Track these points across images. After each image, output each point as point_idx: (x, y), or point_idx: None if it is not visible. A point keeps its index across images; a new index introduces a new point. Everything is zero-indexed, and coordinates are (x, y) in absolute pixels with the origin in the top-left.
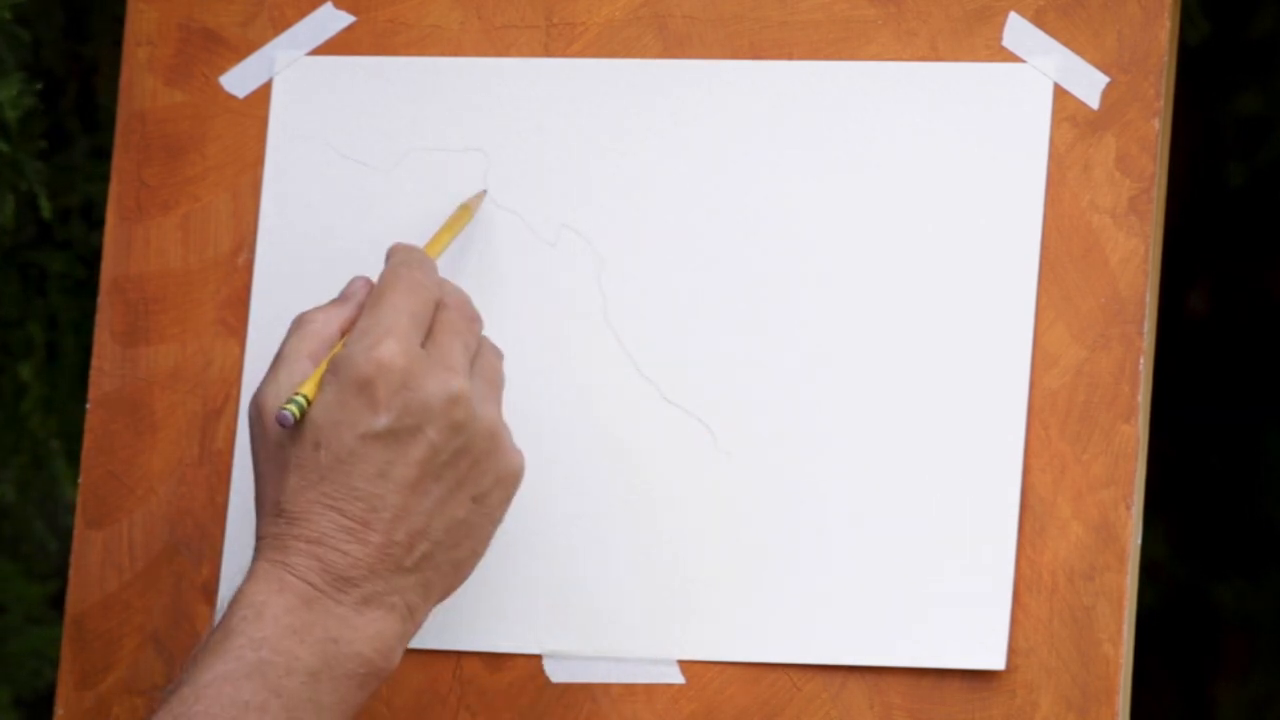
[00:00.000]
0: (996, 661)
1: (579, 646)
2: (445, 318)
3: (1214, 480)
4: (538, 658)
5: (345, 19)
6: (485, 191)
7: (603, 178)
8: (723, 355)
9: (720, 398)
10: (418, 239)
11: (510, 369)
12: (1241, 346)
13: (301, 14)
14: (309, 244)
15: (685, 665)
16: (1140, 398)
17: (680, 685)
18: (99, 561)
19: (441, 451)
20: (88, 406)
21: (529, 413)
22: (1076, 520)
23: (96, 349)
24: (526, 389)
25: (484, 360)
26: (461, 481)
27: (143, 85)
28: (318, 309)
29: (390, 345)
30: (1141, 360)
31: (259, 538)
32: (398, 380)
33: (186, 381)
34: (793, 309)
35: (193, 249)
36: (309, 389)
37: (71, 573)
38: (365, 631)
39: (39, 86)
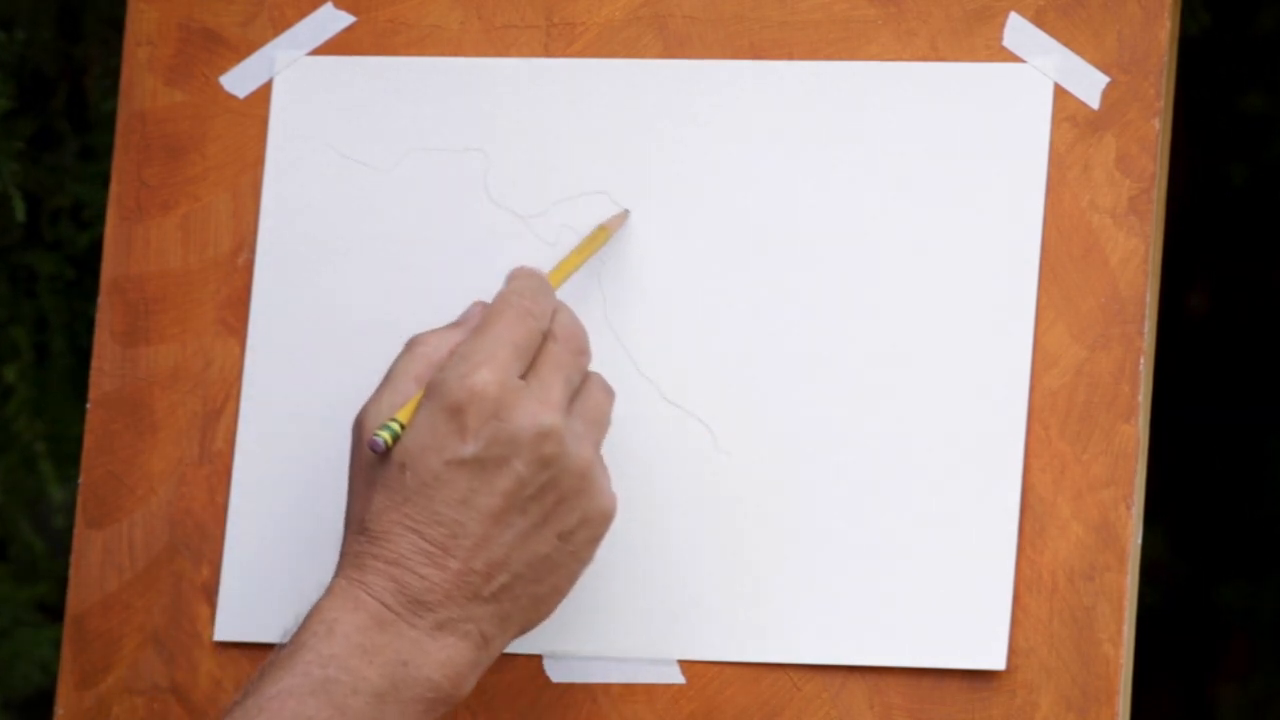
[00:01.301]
0: (996, 661)
1: (579, 646)
2: (550, 350)
3: (1215, 480)
4: (538, 658)
5: (345, 19)
6: (627, 212)
7: (603, 178)
8: (722, 355)
9: (720, 398)
10: (417, 239)
11: None
12: (1241, 346)
13: (301, 14)
14: (309, 244)
15: (685, 665)
16: (1140, 398)
17: (680, 685)
18: (99, 561)
19: (528, 485)
20: (88, 406)
21: None
22: (1077, 520)
23: (96, 349)
24: None
25: (589, 398)
26: (547, 517)
27: (143, 85)
28: (431, 332)
29: (485, 374)
30: (1141, 360)
31: (341, 554)
32: (489, 409)
33: (187, 381)
34: (793, 309)
35: (193, 249)
36: (404, 415)
37: (71, 573)
38: (436, 657)
39: (11, 87)
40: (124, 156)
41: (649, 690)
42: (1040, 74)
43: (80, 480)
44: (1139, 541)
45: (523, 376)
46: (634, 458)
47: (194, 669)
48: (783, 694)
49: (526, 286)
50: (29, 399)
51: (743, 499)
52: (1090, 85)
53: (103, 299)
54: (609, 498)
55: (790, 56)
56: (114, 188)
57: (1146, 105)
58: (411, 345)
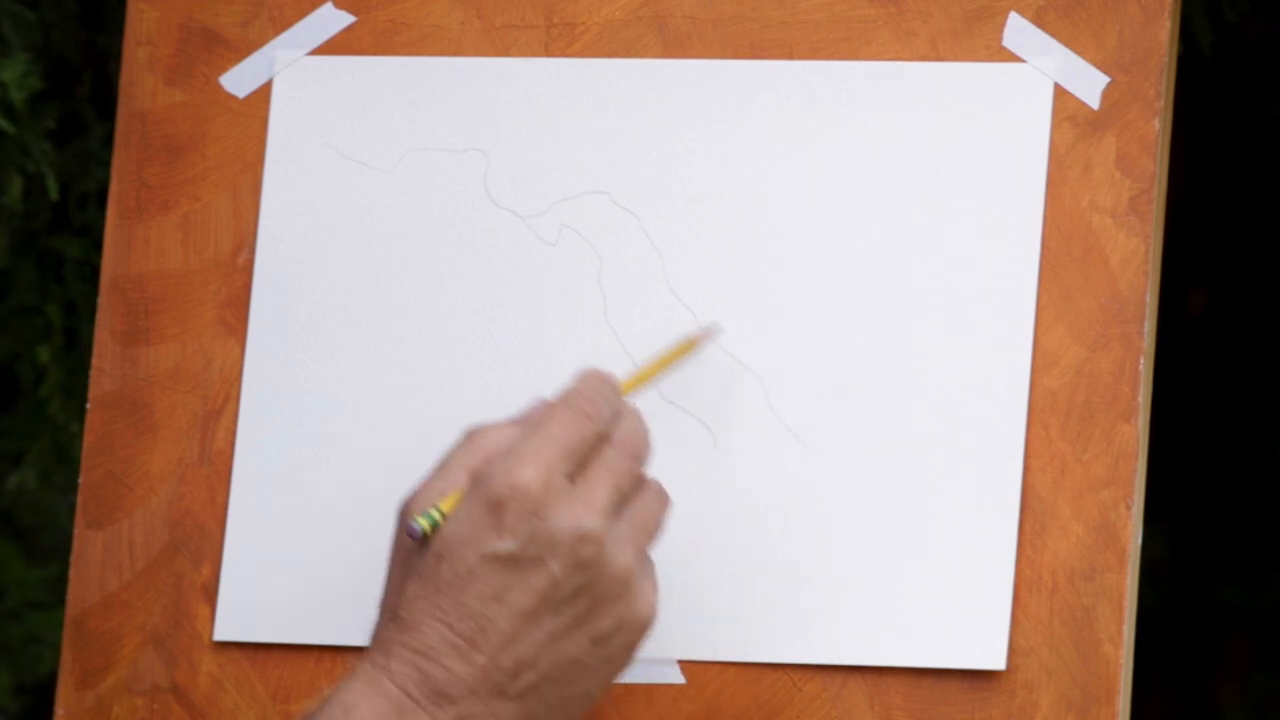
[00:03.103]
0: (997, 662)
1: None
2: (604, 453)
3: (1215, 480)
4: None
5: (345, 19)
6: (716, 324)
7: (603, 178)
8: (722, 355)
9: (720, 397)
10: (417, 239)
11: (510, 369)
12: (1241, 346)
13: (301, 14)
14: (309, 244)
15: (685, 665)
16: (1140, 398)
17: (680, 685)
18: (99, 561)
19: (562, 586)
20: (88, 406)
21: None
22: (1077, 520)
23: (96, 349)
24: (527, 390)
25: (641, 505)
26: (580, 620)
27: (143, 85)
28: (492, 425)
29: (529, 472)
30: (1141, 360)
31: (371, 638)
32: (529, 508)
33: (187, 381)
34: (792, 309)
35: (193, 249)
36: (447, 505)
37: (71, 573)
38: None
39: (41, 66)
40: (124, 156)
41: (649, 690)
42: (1040, 74)
43: (80, 480)
44: (1139, 541)
45: (572, 478)
46: None
47: (194, 669)
48: (783, 694)
49: (589, 388)
50: (61, 382)
51: (742, 499)
52: (1090, 85)
53: (103, 299)
54: (649, 606)
55: (790, 56)
56: (114, 187)
57: (1147, 105)
58: (470, 434)
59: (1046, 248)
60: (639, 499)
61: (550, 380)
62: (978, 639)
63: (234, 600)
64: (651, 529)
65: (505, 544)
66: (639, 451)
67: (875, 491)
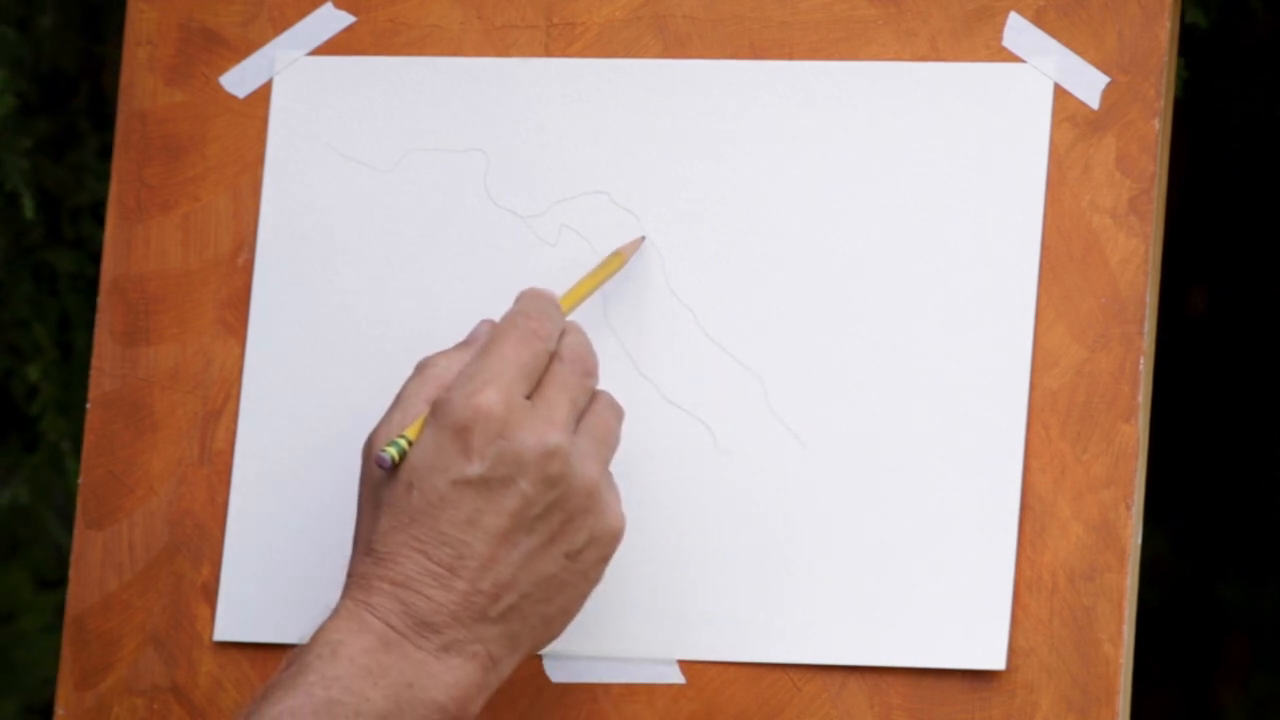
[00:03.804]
0: (997, 661)
1: (579, 646)
2: (556, 370)
3: (1215, 480)
4: (538, 658)
5: (345, 19)
6: (644, 238)
7: (603, 178)
8: (722, 355)
9: (720, 397)
10: (417, 239)
11: None
12: (1241, 346)
13: (302, 14)
14: (309, 244)
15: (685, 665)
16: (1140, 397)
17: (680, 685)
18: (99, 561)
19: (534, 504)
20: (88, 407)
21: None
22: (1077, 520)
23: (96, 349)
24: None
25: (596, 417)
26: (554, 536)
27: (143, 85)
28: (441, 353)
29: (490, 394)
30: (1142, 360)
31: (348, 575)
32: (494, 429)
33: (187, 381)
34: (792, 308)
35: (193, 249)
36: (412, 432)
37: (71, 573)
38: (443, 679)
39: (18, 85)
40: (124, 156)
41: (649, 690)
42: (1040, 74)
43: (80, 480)
44: (1139, 541)
45: (529, 397)
46: (634, 458)
47: (194, 669)
48: (783, 694)
49: (534, 307)
50: (54, 398)
51: (742, 499)
52: (1090, 85)
53: (103, 299)
54: (617, 517)
55: (790, 56)
56: (114, 187)
57: (1146, 105)
58: (421, 367)
59: (1046, 248)
60: (594, 411)
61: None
62: (978, 639)
63: (234, 600)
64: (610, 440)
65: (474, 467)
66: (589, 366)
67: (875, 491)
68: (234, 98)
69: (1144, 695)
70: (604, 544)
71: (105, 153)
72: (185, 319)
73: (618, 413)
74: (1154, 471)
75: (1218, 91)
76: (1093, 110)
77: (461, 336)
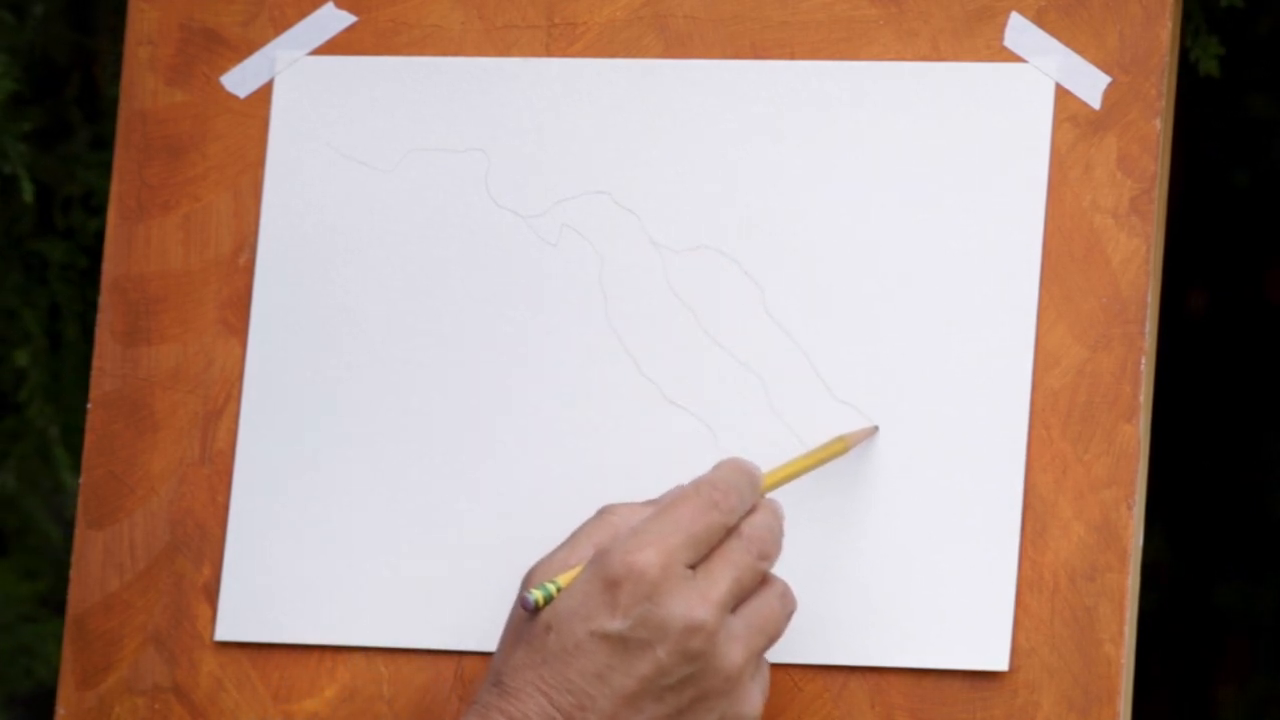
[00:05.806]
0: (999, 662)
1: None
2: (730, 546)
3: (1215, 480)
4: None
5: (346, 19)
6: (876, 428)
7: (603, 178)
8: (723, 355)
9: (721, 397)
10: (418, 239)
11: (511, 369)
12: (1241, 346)
13: (302, 14)
14: (310, 244)
15: None
16: (1142, 397)
17: None
18: (100, 561)
19: (668, 674)
20: (88, 407)
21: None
22: (1078, 520)
23: (97, 349)
24: (527, 389)
25: (761, 602)
26: (681, 711)
27: (144, 85)
28: (627, 504)
29: (649, 554)
30: (1143, 360)
31: (474, 700)
32: (644, 590)
33: (187, 381)
34: (793, 309)
35: (194, 249)
36: (565, 580)
37: (72, 573)
38: None
39: (17, 71)
40: (125, 156)
41: None
42: (1041, 74)
43: (81, 480)
44: (1140, 541)
45: (694, 566)
46: (635, 457)
47: (195, 669)
48: (784, 694)
49: (723, 478)
50: (42, 385)
51: None
52: (1091, 85)
53: (103, 299)
54: (753, 707)
55: (791, 56)
56: (115, 187)
57: (1148, 105)
58: (602, 511)
59: (1047, 248)
60: (760, 596)
61: (551, 379)
62: (980, 639)
63: (235, 600)
64: (769, 630)
65: (615, 623)
66: (766, 549)
67: (876, 491)
68: (235, 98)
69: (1144, 695)
70: None
71: (97, 144)
72: (186, 319)
73: (788, 603)
74: (1153, 473)
75: (1218, 92)
76: (1094, 110)
77: (462, 336)
